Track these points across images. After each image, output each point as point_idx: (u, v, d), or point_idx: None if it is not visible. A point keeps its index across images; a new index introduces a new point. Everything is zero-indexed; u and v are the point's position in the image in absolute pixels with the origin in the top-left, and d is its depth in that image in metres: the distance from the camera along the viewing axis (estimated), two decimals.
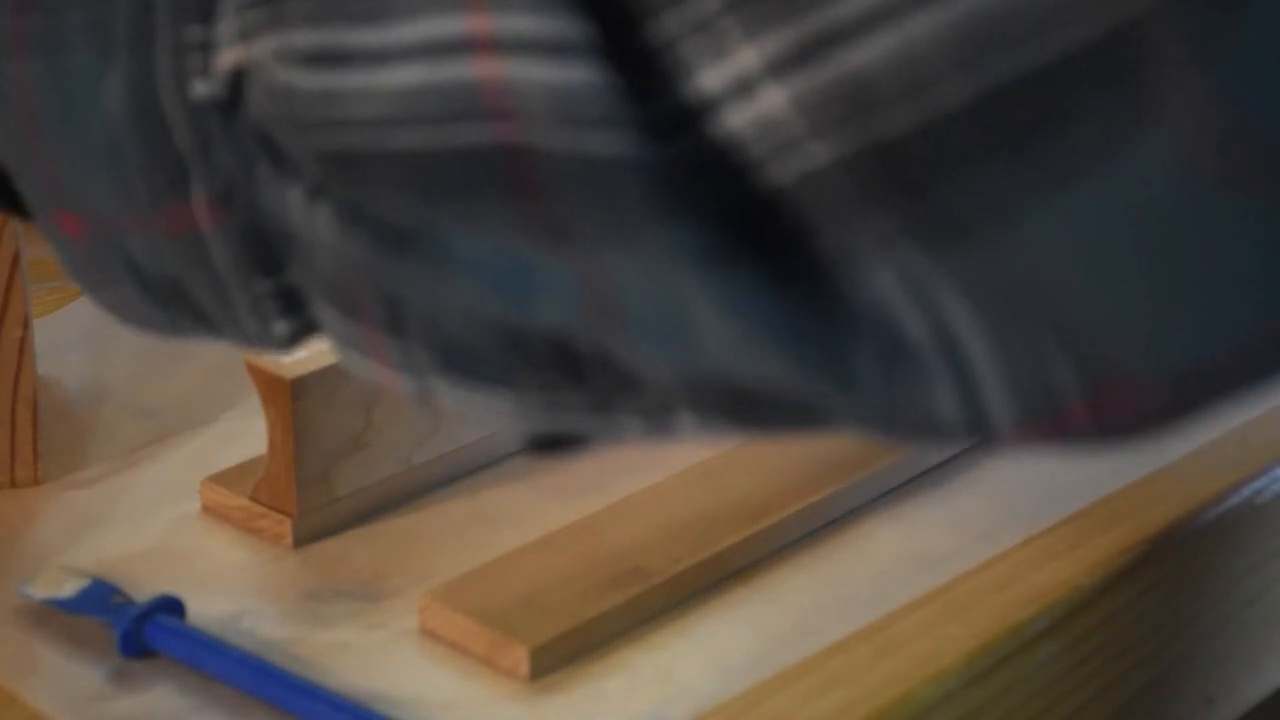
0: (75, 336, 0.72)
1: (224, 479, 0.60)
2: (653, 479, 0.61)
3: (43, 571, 0.56)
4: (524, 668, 0.52)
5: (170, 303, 0.42)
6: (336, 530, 0.59)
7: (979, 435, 0.34)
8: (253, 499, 0.59)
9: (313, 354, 0.57)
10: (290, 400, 0.56)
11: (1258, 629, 0.65)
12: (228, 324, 0.41)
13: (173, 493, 0.61)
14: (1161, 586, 0.59)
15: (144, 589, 0.56)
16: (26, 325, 0.60)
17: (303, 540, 0.58)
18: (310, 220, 0.37)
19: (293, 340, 0.41)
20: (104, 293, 0.44)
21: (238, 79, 0.37)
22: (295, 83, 0.35)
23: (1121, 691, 0.59)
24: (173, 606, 0.54)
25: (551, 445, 0.40)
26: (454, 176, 0.34)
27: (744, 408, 0.35)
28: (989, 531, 0.59)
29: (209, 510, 0.60)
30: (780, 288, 0.32)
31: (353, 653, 0.53)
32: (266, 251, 0.39)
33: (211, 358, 0.71)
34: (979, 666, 0.54)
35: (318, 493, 0.58)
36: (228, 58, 0.37)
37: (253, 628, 0.54)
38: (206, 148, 0.39)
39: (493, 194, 0.33)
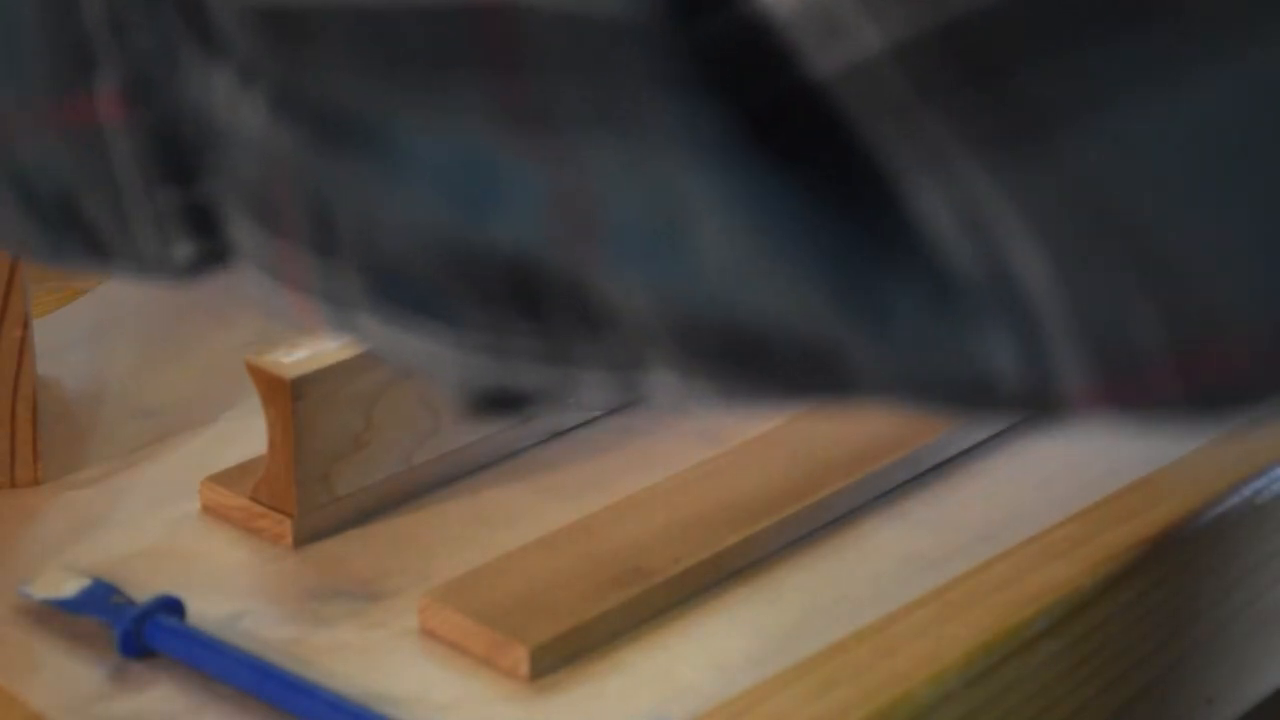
0: (75, 336, 0.72)
1: (224, 479, 0.60)
2: (653, 479, 0.61)
3: (43, 572, 0.56)
4: (524, 668, 0.52)
5: (58, 222, 0.37)
6: (336, 530, 0.59)
7: (1037, 399, 0.28)
8: (253, 499, 0.59)
9: (314, 354, 0.58)
10: (290, 400, 0.56)
11: (1258, 629, 0.65)
12: (121, 247, 0.36)
13: (173, 493, 0.61)
14: (1161, 586, 0.59)
15: (144, 589, 0.56)
16: (26, 325, 0.60)
17: (303, 540, 0.58)
18: (236, 109, 0.32)
19: (194, 268, 0.36)
20: None
21: None
22: None
23: (1121, 691, 0.59)
24: (173, 606, 0.54)
25: (494, 405, 0.33)
26: (415, 43, 0.28)
27: (738, 357, 0.29)
28: (989, 531, 0.59)
29: (209, 510, 0.60)
30: (807, 200, 0.27)
31: (353, 653, 0.53)
32: (178, 156, 0.34)
33: (211, 358, 0.71)
34: (979, 666, 0.54)
35: (318, 493, 0.58)
36: None
37: (253, 628, 0.54)
38: (121, 28, 0.34)
39: (460, 67, 0.28)
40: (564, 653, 0.53)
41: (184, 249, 0.35)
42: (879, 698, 0.52)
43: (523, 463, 0.63)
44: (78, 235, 0.36)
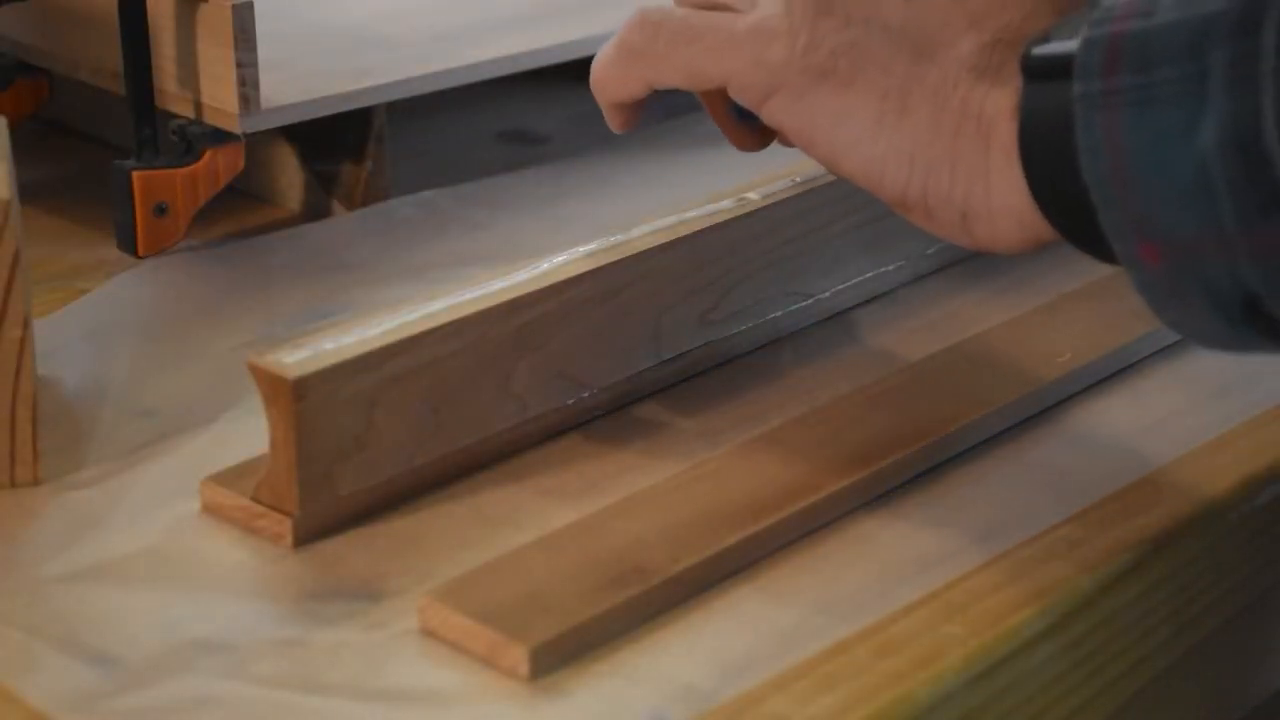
0: (75, 336, 0.72)
1: (224, 479, 0.60)
2: (653, 479, 0.61)
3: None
4: (524, 668, 0.52)
5: (1241, 318, 0.49)
6: (337, 530, 0.59)
7: None
8: (253, 499, 0.59)
9: (315, 354, 0.58)
10: (293, 400, 0.56)
11: (1258, 629, 0.65)
12: None
13: (173, 493, 0.61)
14: (1161, 586, 0.59)
15: (144, 589, 0.56)
16: (26, 325, 0.61)
17: (303, 540, 0.58)
18: None
19: None
20: (1172, 312, 0.51)
21: None
22: None
23: (1121, 691, 0.59)
24: None
25: None
26: None
27: None
28: (989, 531, 0.59)
29: (209, 510, 0.60)
30: None
31: (353, 653, 0.53)
32: None
33: (211, 358, 0.71)
34: (979, 666, 0.54)
35: (319, 493, 0.58)
36: None
37: (253, 628, 0.55)
38: None
39: None
40: (564, 653, 0.53)
41: None
42: (879, 698, 0.52)
43: (523, 463, 0.63)
44: (1260, 329, 0.50)
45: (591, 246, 0.65)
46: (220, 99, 0.77)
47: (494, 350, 0.61)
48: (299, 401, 0.57)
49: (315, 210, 0.85)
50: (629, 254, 0.65)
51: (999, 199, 0.54)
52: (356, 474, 0.59)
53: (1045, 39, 0.53)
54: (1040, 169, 0.53)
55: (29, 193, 0.76)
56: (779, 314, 0.71)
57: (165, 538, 0.59)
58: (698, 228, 0.66)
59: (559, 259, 0.64)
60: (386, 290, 0.76)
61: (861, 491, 0.60)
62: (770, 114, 0.58)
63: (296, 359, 0.57)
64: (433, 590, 0.54)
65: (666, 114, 0.90)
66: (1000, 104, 0.54)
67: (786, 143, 0.62)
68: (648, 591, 0.55)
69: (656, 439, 0.64)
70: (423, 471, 0.61)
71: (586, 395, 0.65)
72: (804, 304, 0.72)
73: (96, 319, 0.74)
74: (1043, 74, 0.52)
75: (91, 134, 0.93)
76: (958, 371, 0.67)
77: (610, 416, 0.66)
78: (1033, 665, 0.55)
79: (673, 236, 0.66)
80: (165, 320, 0.74)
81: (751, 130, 0.64)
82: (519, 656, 0.52)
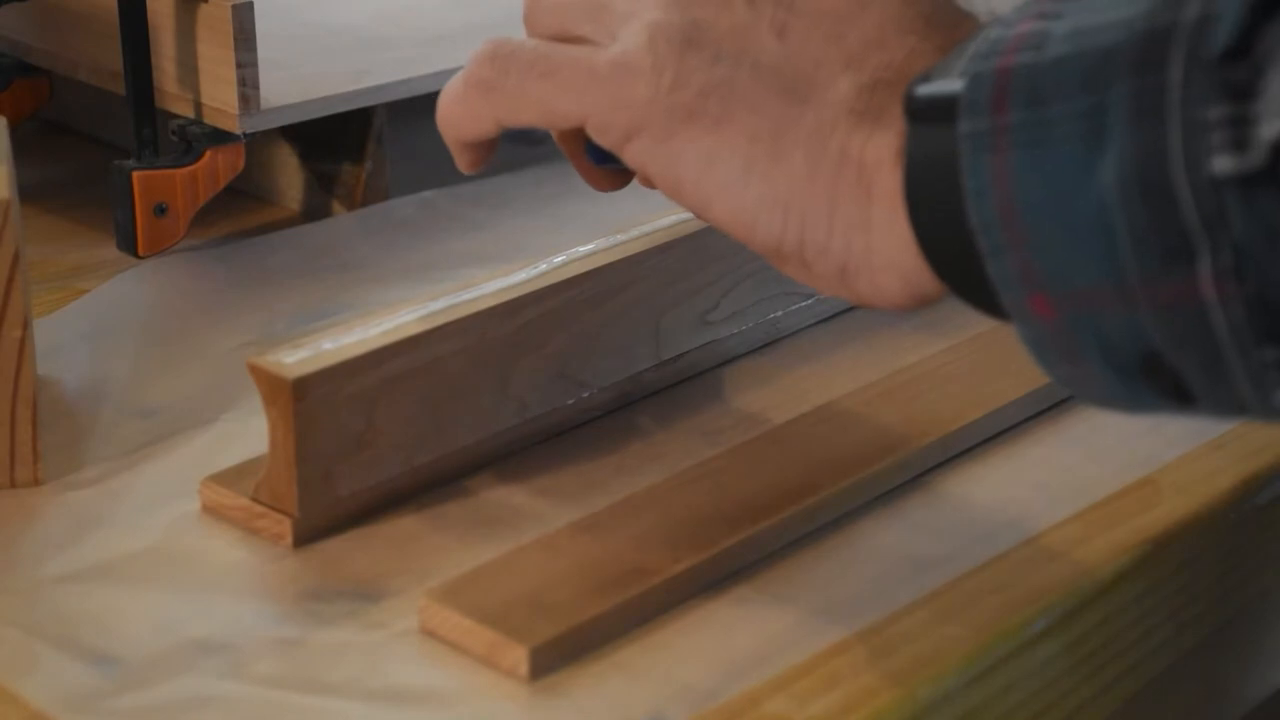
0: (75, 336, 0.72)
1: (224, 479, 0.60)
2: (653, 479, 0.61)
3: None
4: (524, 668, 0.52)
5: (1139, 376, 0.45)
6: (337, 530, 0.59)
7: None
8: (253, 499, 0.59)
9: (315, 354, 0.58)
10: (292, 401, 0.56)
11: (1258, 629, 0.65)
12: (1212, 394, 0.44)
13: (173, 493, 0.61)
14: (1161, 587, 0.59)
15: (144, 589, 0.56)
16: (26, 325, 0.60)
17: (303, 540, 0.58)
18: None
19: None
20: (1063, 368, 0.47)
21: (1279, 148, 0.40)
22: None
23: (1121, 691, 0.59)
24: None
25: None
26: None
27: None
28: (989, 531, 0.59)
29: (209, 510, 0.60)
30: None
31: (353, 653, 0.53)
32: (1276, 320, 0.42)
33: (211, 358, 0.71)
34: (979, 666, 0.54)
35: (319, 493, 0.58)
36: (1271, 129, 0.40)
37: (252, 628, 0.55)
38: (1218, 221, 0.41)
39: None
40: (564, 653, 0.53)
41: None
42: (879, 698, 0.52)
43: (523, 463, 0.63)
44: (1160, 387, 0.45)
45: (591, 246, 0.65)
46: (220, 99, 0.77)
47: (494, 350, 0.61)
48: (299, 401, 0.57)
49: (315, 210, 0.85)
50: (629, 254, 0.65)
51: (881, 251, 0.50)
52: (356, 474, 0.59)
53: (927, 77, 0.49)
54: (926, 218, 0.49)
55: (29, 193, 0.76)
56: (779, 314, 0.71)
57: (165, 538, 0.59)
58: (698, 228, 0.66)
59: (559, 259, 0.64)
60: (386, 290, 0.76)
61: (860, 492, 0.60)
62: (633, 157, 0.54)
63: (296, 359, 0.57)
64: (432, 590, 0.54)
65: None
66: (882, 149, 0.50)
67: (649, 184, 0.57)
68: (648, 591, 0.55)
69: (657, 439, 0.64)
70: (423, 471, 0.61)
71: (586, 395, 0.65)
72: (804, 304, 0.72)
73: (96, 319, 0.74)
74: (927, 116, 0.48)
75: (91, 134, 0.93)
76: (958, 371, 0.67)
77: (610, 416, 0.66)
78: (1033, 665, 0.55)
79: (673, 236, 0.66)
80: (165, 320, 0.74)
81: (611, 172, 0.60)
82: (519, 656, 0.52)
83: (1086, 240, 0.44)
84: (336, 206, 0.85)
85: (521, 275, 0.63)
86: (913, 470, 0.62)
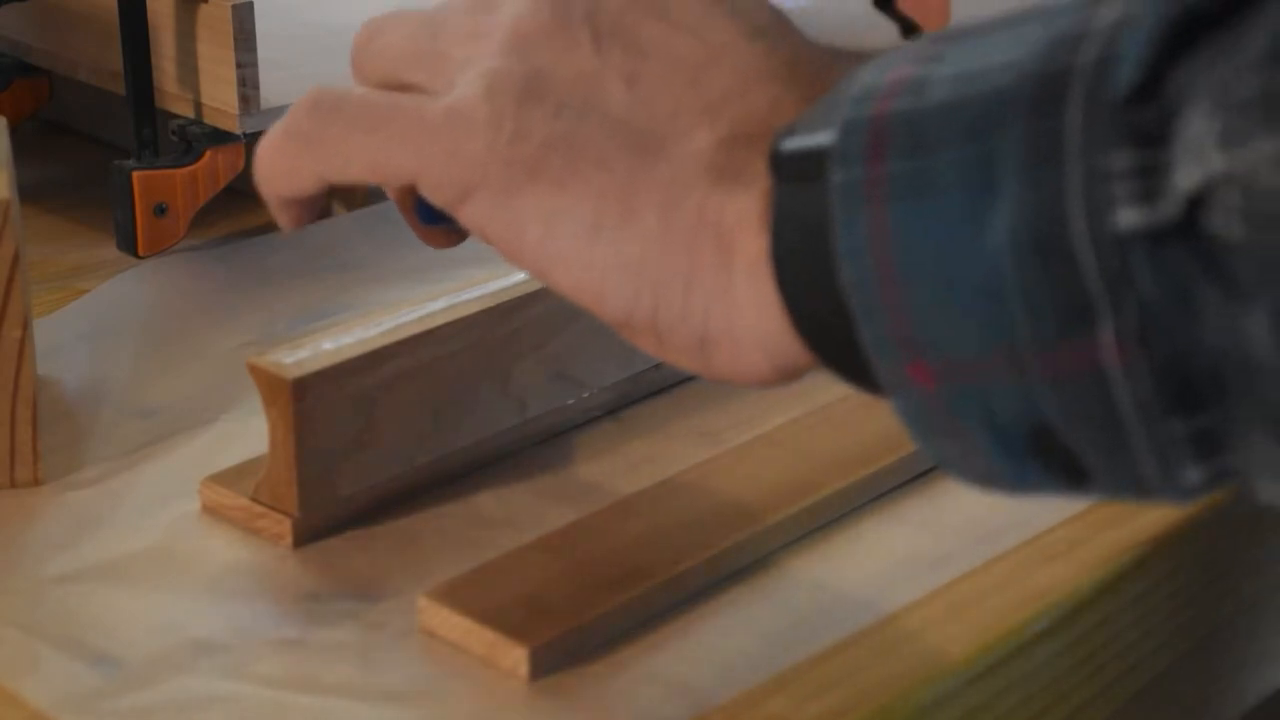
0: (75, 336, 0.72)
1: (224, 479, 0.60)
2: (653, 479, 0.61)
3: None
4: (524, 668, 0.52)
5: (1027, 453, 0.41)
6: (336, 530, 0.59)
7: None
8: (253, 499, 0.59)
9: (315, 354, 0.58)
10: (292, 400, 0.56)
11: (1258, 629, 0.65)
12: (1109, 472, 0.40)
13: (173, 493, 0.61)
14: (1161, 587, 0.59)
15: (144, 589, 0.56)
16: (26, 325, 0.61)
17: (303, 540, 0.58)
18: (1272, 345, 0.36)
19: (1199, 490, 0.39)
20: (942, 443, 0.42)
21: (1196, 200, 0.36)
22: None
23: (1121, 691, 0.59)
24: None
25: None
26: None
27: None
28: (989, 531, 0.59)
29: (209, 510, 0.60)
30: None
31: (353, 653, 0.53)
32: (1186, 389, 0.38)
33: (211, 358, 0.71)
34: (979, 666, 0.54)
35: (318, 493, 0.58)
36: (1189, 177, 0.36)
37: (252, 628, 0.55)
38: (1122, 281, 0.37)
39: None
40: (564, 653, 0.53)
41: (1191, 474, 0.39)
42: (879, 698, 0.52)
43: (523, 463, 0.63)
44: (1052, 463, 0.41)
45: None
46: (220, 99, 0.77)
47: (494, 350, 0.61)
48: (299, 401, 0.57)
49: None
50: None
51: (743, 322, 0.45)
52: (356, 474, 0.59)
53: (793, 130, 0.44)
54: (793, 282, 0.44)
55: (29, 193, 0.76)
56: None
57: (165, 538, 0.59)
58: None
59: None
60: (386, 290, 0.76)
61: (861, 491, 0.60)
62: (469, 217, 0.48)
63: (296, 359, 0.57)
64: (432, 590, 0.54)
65: None
66: (744, 211, 0.45)
67: (488, 240, 0.50)
68: (648, 591, 0.55)
69: (656, 439, 0.64)
70: (423, 471, 0.61)
71: (586, 395, 0.65)
72: None
73: (96, 319, 0.74)
74: (795, 172, 0.43)
75: (91, 134, 0.93)
76: None
77: (610, 416, 0.66)
78: (1033, 665, 0.55)
79: None
80: (165, 320, 0.74)
81: (445, 231, 0.55)
82: (519, 656, 0.52)
83: (973, 301, 0.39)
84: (336, 207, 0.85)
85: (521, 275, 0.63)
86: (913, 470, 0.62)
